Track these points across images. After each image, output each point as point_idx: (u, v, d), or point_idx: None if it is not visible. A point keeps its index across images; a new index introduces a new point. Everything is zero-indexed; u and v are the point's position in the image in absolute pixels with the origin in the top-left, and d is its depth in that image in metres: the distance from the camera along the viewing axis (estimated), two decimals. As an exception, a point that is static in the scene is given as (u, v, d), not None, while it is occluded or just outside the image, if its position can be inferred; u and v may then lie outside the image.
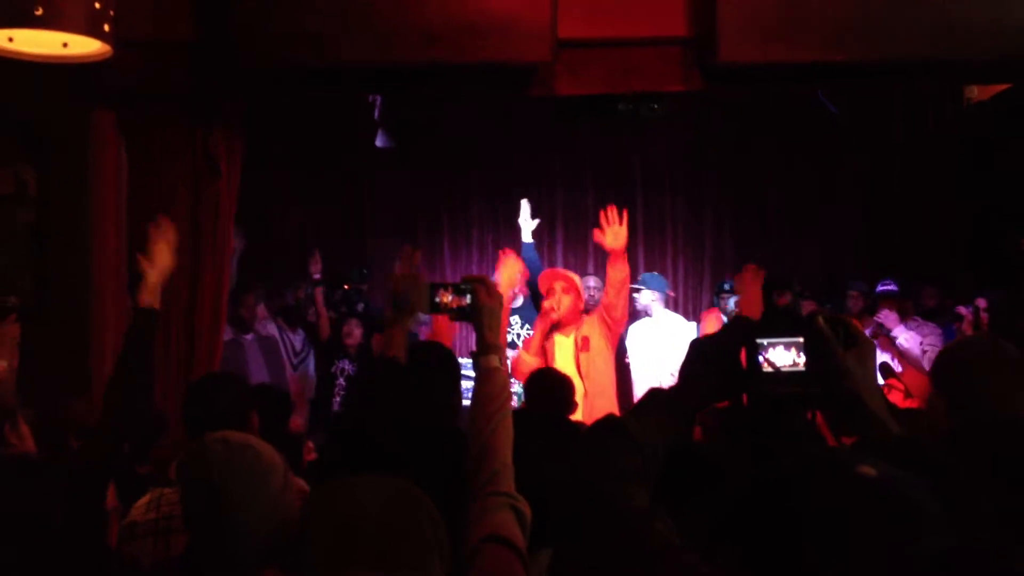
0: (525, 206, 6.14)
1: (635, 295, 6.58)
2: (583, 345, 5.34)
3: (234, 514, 1.93)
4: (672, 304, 7.25)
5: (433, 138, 8.50)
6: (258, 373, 6.44)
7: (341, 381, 6.75)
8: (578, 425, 3.76)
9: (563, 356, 5.36)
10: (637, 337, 6.42)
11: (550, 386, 4.12)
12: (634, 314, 6.48)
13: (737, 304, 3.54)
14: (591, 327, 5.39)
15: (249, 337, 6.59)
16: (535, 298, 6.06)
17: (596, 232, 5.33)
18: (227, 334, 6.48)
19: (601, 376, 5.32)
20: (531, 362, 5.16)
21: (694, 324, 6.86)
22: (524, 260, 6.00)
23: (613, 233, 5.23)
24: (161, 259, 2.89)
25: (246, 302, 6.63)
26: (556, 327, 5.40)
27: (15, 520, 2.64)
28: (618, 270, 5.23)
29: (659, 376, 6.16)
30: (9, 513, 2.65)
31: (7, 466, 2.88)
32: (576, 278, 5.58)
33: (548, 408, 3.91)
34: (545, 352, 5.39)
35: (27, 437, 3.13)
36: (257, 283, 6.95)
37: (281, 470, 2.02)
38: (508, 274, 5.32)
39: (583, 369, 5.30)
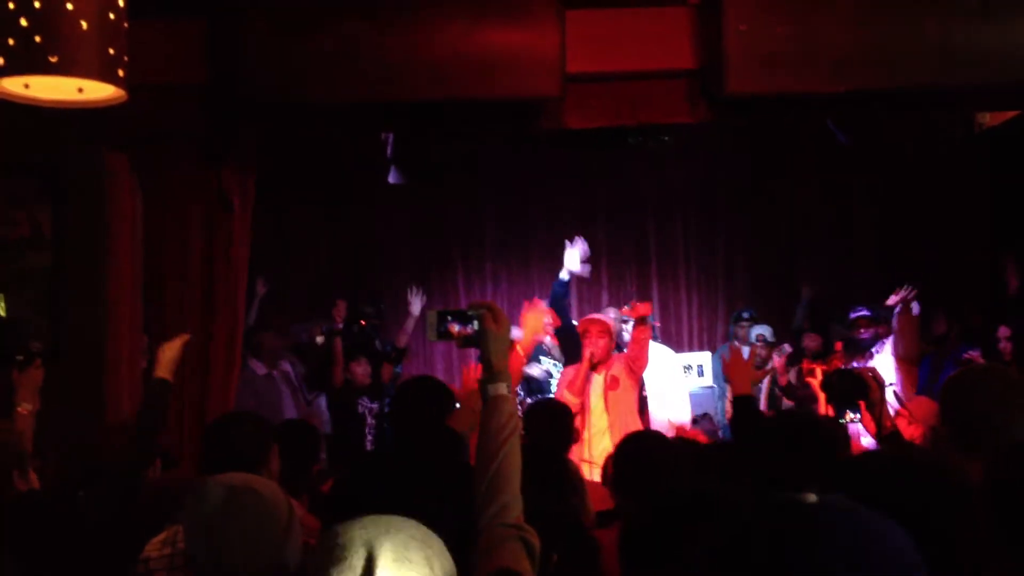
0: (578, 247, 6.19)
1: (624, 327, 6.69)
2: (612, 384, 5.71)
3: (233, 556, 1.93)
4: (661, 334, 7.33)
5: (445, 173, 8.56)
6: (289, 408, 6.58)
7: (371, 420, 6.78)
8: (568, 462, 3.83)
9: (594, 392, 5.72)
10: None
11: (550, 417, 4.14)
12: (621, 345, 6.64)
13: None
14: (619, 368, 5.76)
15: (276, 373, 6.70)
16: (560, 336, 6.18)
17: (624, 309, 5.99)
18: (260, 369, 6.59)
19: (626, 412, 5.67)
20: (573, 401, 5.46)
21: (707, 353, 6.88)
22: (555, 296, 6.14)
23: (641, 309, 5.80)
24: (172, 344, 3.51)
25: (268, 339, 6.74)
26: (594, 368, 5.74)
27: (30, 560, 2.67)
28: (641, 331, 5.77)
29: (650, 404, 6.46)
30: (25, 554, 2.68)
31: (21, 506, 2.93)
32: (610, 322, 5.94)
33: (548, 439, 3.93)
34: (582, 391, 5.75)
35: (34, 485, 3.19)
36: (283, 320, 7.09)
37: (285, 512, 2.02)
38: (532, 324, 5.23)
39: (610, 405, 5.66)
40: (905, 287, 6.23)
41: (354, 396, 6.90)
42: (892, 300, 6.23)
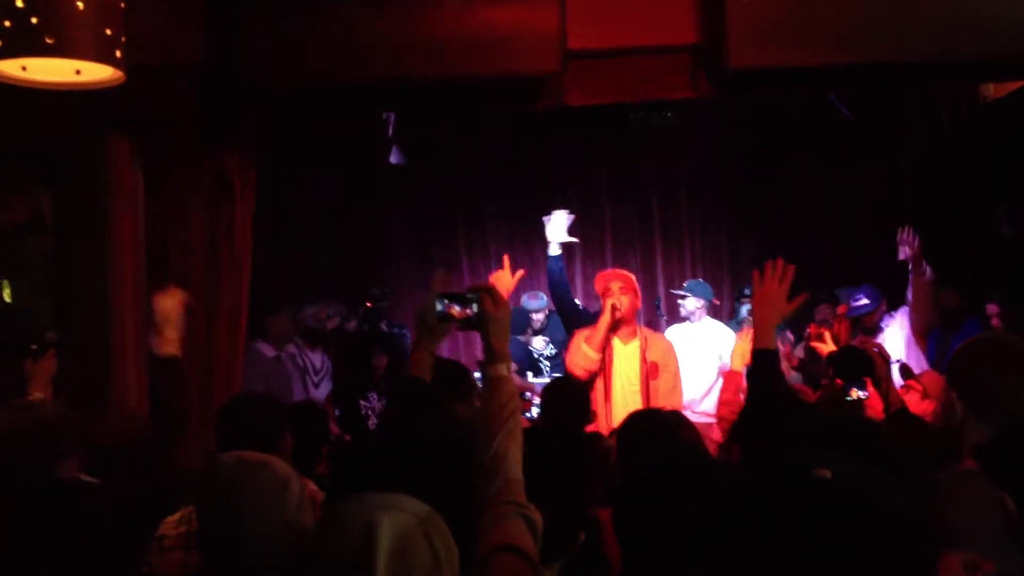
0: (559, 217, 5.99)
1: (681, 302, 6.71)
2: (652, 371, 5.20)
3: (248, 532, 1.93)
4: (715, 311, 7.22)
5: (448, 154, 8.54)
6: (297, 389, 6.57)
7: (374, 420, 6.64)
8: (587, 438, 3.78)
9: (627, 365, 5.20)
10: (675, 341, 6.46)
11: (566, 397, 4.13)
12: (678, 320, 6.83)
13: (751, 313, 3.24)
14: (660, 354, 5.24)
15: (284, 355, 6.67)
16: (563, 314, 6.09)
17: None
18: (269, 351, 6.56)
19: (670, 397, 5.16)
20: (593, 357, 5.05)
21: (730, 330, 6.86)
22: (552, 270, 5.99)
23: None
24: (174, 313, 3.39)
25: (280, 322, 6.69)
26: (616, 327, 5.23)
27: (60, 543, 2.69)
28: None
29: (695, 379, 6.24)
30: (55, 537, 2.70)
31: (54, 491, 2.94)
32: (632, 277, 5.40)
33: (563, 420, 3.91)
34: (604, 353, 5.21)
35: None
36: (287, 303, 7.02)
37: (297, 488, 2.03)
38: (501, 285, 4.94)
39: (652, 397, 5.14)
40: (904, 231, 5.91)
41: (363, 389, 6.78)
42: (903, 255, 5.95)
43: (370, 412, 6.64)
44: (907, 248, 5.88)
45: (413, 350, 2.76)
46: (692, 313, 6.71)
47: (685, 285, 6.90)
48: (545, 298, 7.32)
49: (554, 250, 5.96)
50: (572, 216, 5.98)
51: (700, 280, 7.14)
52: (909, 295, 6.19)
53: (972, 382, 2.44)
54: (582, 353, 5.09)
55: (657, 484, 1.98)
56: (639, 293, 5.37)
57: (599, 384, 5.09)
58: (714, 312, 7.09)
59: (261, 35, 4.47)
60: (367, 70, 4.47)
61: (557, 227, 5.96)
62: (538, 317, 7.31)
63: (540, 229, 8.99)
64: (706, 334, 6.62)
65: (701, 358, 6.42)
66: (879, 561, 1.07)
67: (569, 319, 6.02)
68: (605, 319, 5.12)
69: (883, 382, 3.66)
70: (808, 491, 1.11)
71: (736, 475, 1.24)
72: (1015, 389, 2.27)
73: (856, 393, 3.84)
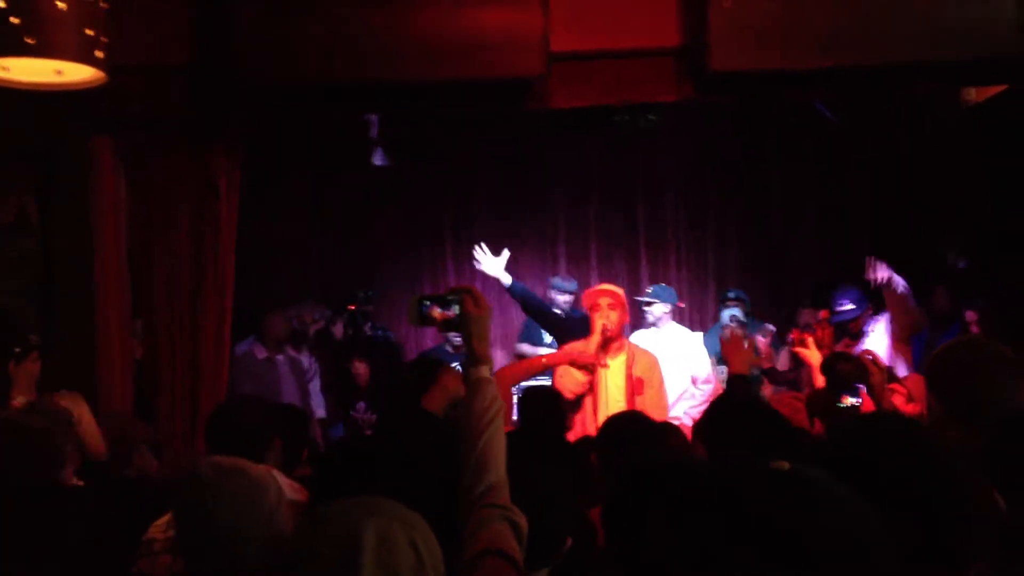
0: (489, 262, 5.91)
1: (646, 308, 6.53)
2: (637, 387, 5.08)
3: (225, 536, 1.94)
4: (679, 315, 7.17)
5: (435, 155, 8.53)
6: (289, 392, 6.55)
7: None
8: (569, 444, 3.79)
9: (612, 381, 5.06)
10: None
11: (542, 404, 4.13)
12: (644, 325, 6.61)
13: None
14: (644, 368, 5.14)
15: (281, 357, 6.66)
16: (547, 328, 6.06)
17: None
18: (261, 352, 6.56)
19: (655, 412, 4.92)
20: (582, 380, 4.93)
21: (699, 334, 6.83)
22: (516, 296, 5.92)
23: None
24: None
25: (275, 322, 6.69)
26: (605, 346, 5.07)
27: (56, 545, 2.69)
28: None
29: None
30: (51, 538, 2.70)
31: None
32: (621, 292, 5.25)
33: (542, 426, 3.92)
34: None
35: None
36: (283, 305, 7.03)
37: (274, 492, 2.03)
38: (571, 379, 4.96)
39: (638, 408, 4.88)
40: (870, 259, 5.84)
41: (350, 399, 6.79)
42: (872, 278, 5.85)
43: (362, 423, 6.65)
44: (876, 278, 5.83)
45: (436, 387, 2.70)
46: (659, 319, 6.45)
47: (650, 290, 6.62)
48: (576, 284, 7.26)
49: (506, 281, 5.87)
50: (507, 255, 5.91)
51: (664, 284, 6.95)
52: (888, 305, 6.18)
53: (950, 385, 2.45)
54: (571, 376, 4.95)
55: (642, 489, 1.98)
56: (627, 307, 5.24)
57: (587, 402, 4.98)
58: (679, 316, 6.98)
59: (249, 36, 4.47)
60: (357, 72, 4.48)
61: (493, 264, 5.86)
62: (564, 299, 7.07)
63: (527, 230, 9.06)
64: (671, 340, 6.36)
65: (667, 365, 5.88)
66: (845, 549, 1.07)
67: (554, 330, 6.03)
68: (595, 340, 4.98)
69: (877, 389, 3.66)
70: (768, 481, 1.12)
71: (699, 473, 1.23)
72: (992, 391, 2.29)
73: (848, 400, 3.83)
